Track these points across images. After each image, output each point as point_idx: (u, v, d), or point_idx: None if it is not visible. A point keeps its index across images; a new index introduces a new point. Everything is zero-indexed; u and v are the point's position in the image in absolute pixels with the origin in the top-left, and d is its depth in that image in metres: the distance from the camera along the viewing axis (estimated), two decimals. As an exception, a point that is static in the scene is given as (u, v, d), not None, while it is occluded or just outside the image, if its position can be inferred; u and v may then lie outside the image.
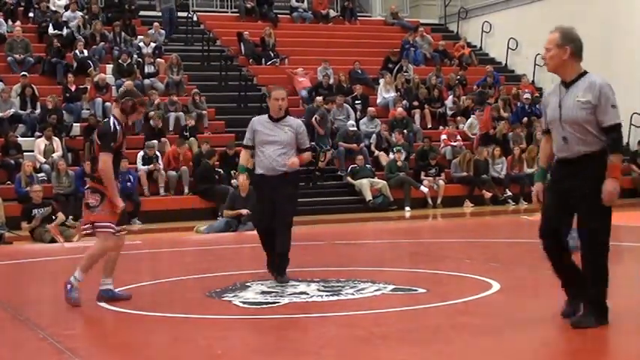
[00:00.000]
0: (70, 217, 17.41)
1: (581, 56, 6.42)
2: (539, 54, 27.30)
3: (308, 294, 8.44)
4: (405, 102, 24.47)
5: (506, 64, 29.01)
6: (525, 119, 24.37)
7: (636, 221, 15.41)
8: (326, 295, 8.31)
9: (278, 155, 9.10)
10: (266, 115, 9.45)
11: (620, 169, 6.34)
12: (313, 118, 22.29)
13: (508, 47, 28.76)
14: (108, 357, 6.17)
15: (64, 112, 21.27)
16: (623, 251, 11.02)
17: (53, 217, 16.31)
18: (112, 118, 8.19)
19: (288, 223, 9.13)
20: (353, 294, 8.35)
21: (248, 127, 9.41)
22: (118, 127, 8.14)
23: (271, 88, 9.55)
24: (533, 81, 27.48)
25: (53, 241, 15.84)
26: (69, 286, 8.11)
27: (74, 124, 21.29)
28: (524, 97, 25.08)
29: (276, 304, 7.98)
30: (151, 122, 21.05)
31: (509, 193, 21.87)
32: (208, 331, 7.18)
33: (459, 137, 23.44)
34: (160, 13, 27.22)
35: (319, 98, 23.21)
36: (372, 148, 22.58)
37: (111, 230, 8.17)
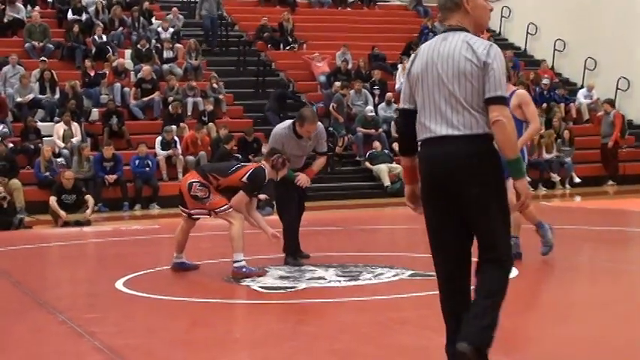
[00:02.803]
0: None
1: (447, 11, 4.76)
2: (558, 39, 27.20)
3: (326, 279, 8.46)
4: (423, 87, 24.34)
5: (525, 49, 28.86)
6: (544, 105, 24.25)
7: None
8: (344, 280, 8.32)
9: (302, 161, 9.84)
10: (291, 130, 9.62)
11: (402, 172, 5.21)
12: (331, 106, 22.27)
13: (527, 32, 28.61)
14: (127, 341, 6.19)
15: (83, 97, 21.31)
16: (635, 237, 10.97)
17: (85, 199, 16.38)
18: (266, 170, 8.96)
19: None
20: (371, 279, 8.36)
21: (273, 138, 9.66)
22: (266, 181, 9.04)
23: (307, 118, 9.52)
24: (552, 66, 27.33)
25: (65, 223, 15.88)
26: (244, 269, 8.67)
27: (93, 109, 21.34)
28: (543, 82, 24.97)
29: (294, 289, 7.99)
30: (170, 108, 21.07)
31: (528, 179, 21.75)
32: (227, 316, 7.20)
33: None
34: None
35: (337, 83, 23.17)
36: (394, 133, 22.52)
37: (231, 209, 8.85)
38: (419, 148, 4.74)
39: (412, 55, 4.81)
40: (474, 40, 4.60)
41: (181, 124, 20.78)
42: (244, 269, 8.68)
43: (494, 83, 4.50)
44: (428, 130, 4.61)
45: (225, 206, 8.85)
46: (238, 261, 8.70)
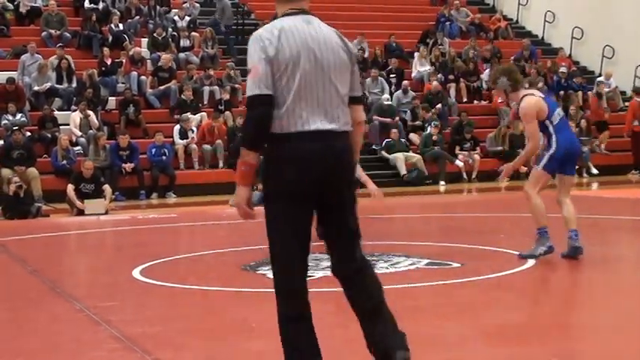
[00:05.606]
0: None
1: None
2: (576, 27, 27.04)
3: (342, 268, 8.44)
4: (440, 76, 24.31)
5: (542, 37, 28.72)
6: (562, 93, 24.14)
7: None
8: (360, 269, 8.30)
9: None
10: None
11: (244, 171, 4.27)
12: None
13: (545, 20, 28.46)
14: (143, 329, 6.22)
15: (99, 85, 21.34)
16: None
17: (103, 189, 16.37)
18: None
19: None
20: (387, 268, 8.35)
21: None
22: None
23: None
24: (570, 54, 27.19)
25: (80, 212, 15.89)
26: None
27: (110, 98, 21.38)
28: (561, 70, 24.85)
29: (311, 278, 7.97)
30: (183, 95, 21.06)
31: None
32: (243, 304, 7.21)
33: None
34: None
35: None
36: (408, 122, 22.48)
37: None
38: (285, 141, 4.18)
39: (270, 34, 4.19)
40: (336, 30, 4.37)
41: (199, 114, 20.76)
42: None
43: (358, 81, 4.44)
44: (305, 121, 4.17)
45: None
46: None
